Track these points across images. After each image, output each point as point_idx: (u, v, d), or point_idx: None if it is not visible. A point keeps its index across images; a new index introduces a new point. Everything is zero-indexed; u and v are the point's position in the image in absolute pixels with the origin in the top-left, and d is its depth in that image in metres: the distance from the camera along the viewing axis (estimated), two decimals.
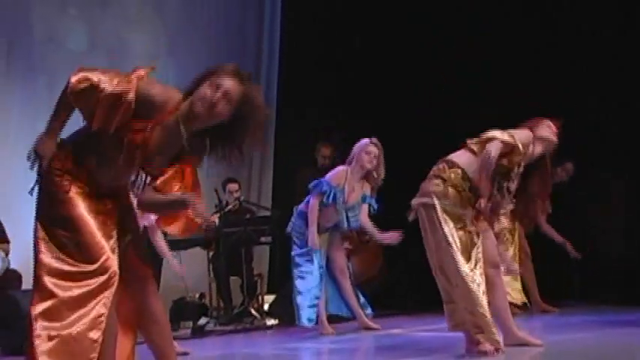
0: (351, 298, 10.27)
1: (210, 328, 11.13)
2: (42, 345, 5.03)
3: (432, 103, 13.22)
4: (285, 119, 14.21)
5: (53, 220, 5.21)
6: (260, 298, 12.51)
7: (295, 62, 14.30)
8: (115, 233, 5.31)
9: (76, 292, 5.08)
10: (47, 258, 5.13)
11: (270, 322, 11.95)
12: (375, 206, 10.23)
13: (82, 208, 5.21)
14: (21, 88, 12.27)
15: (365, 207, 10.16)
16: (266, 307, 12.41)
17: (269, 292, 12.88)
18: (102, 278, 5.13)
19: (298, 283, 10.10)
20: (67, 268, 5.11)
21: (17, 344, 9.31)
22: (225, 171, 11.76)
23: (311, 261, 10.11)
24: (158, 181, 5.34)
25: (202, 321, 11.18)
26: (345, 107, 13.92)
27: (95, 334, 5.07)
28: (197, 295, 11.59)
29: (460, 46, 13.47)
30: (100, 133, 5.14)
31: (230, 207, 12.33)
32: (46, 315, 5.06)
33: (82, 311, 5.08)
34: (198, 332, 10.84)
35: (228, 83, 5.12)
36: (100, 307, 5.09)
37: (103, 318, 5.10)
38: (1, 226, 10.65)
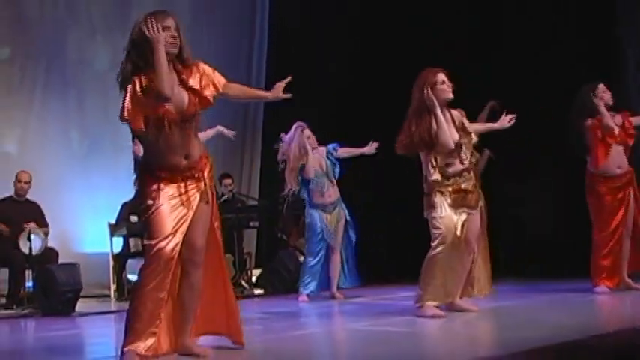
0: (333, 271, 10.14)
1: None
2: None
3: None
4: (270, 125, 14.00)
5: None
6: (249, 272, 12.54)
7: (280, 71, 13.77)
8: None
9: None
10: None
11: (257, 291, 11.95)
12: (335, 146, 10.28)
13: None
14: (56, 99, 12.29)
15: (340, 151, 10.22)
16: (254, 279, 12.43)
17: (256, 267, 12.83)
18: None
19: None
20: None
21: (54, 307, 9.42)
22: (221, 168, 11.81)
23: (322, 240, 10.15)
24: None
25: None
26: (323, 113, 13.09)
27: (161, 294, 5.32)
28: None
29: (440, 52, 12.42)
30: None
31: (225, 198, 12.34)
32: None
33: None
34: None
35: None
36: None
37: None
38: (42, 213, 10.71)
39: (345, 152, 10.27)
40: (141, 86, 5.26)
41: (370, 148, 10.08)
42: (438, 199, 7.33)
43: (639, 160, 9.82)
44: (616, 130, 9.11)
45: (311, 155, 10.12)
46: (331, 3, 13.83)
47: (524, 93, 12.24)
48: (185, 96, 5.42)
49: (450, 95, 7.43)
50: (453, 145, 7.34)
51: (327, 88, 13.63)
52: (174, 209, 5.35)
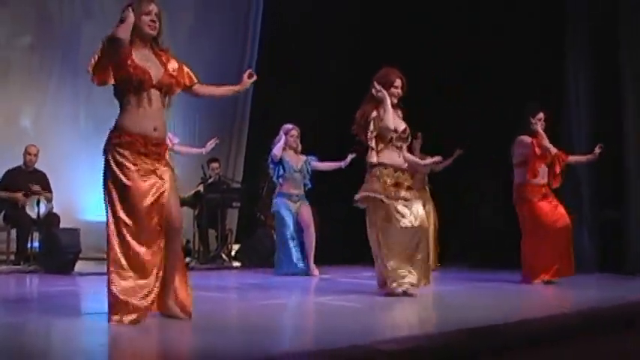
0: (309, 246, 10.16)
1: (193, 266, 11.07)
2: None
3: None
4: (256, 117, 14.10)
5: None
6: (229, 246, 12.61)
7: (280, 68, 13.29)
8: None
9: None
10: None
11: (236, 264, 12.06)
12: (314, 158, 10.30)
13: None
14: (69, 85, 12.41)
15: (316, 163, 10.27)
16: (233, 253, 12.53)
17: (236, 243, 12.93)
18: None
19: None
20: None
21: (56, 266, 9.55)
22: (210, 153, 11.91)
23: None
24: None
25: (187, 260, 11.18)
26: (323, 112, 12.98)
27: None
28: (184, 242, 11.64)
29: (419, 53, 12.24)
30: None
31: (212, 180, 12.43)
32: None
33: None
34: None
35: None
36: None
37: None
38: (47, 181, 10.81)
39: (321, 165, 10.30)
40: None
41: (346, 161, 9.94)
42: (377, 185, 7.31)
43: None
44: (552, 151, 9.28)
45: (291, 152, 10.23)
46: (331, 0, 13.34)
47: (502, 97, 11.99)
48: (161, 68, 5.43)
49: (395, 101, 7.48)
50: (392, 127, 7.34)
51: (326, 86, 13.33)
52: (143, 179, 5.23)
